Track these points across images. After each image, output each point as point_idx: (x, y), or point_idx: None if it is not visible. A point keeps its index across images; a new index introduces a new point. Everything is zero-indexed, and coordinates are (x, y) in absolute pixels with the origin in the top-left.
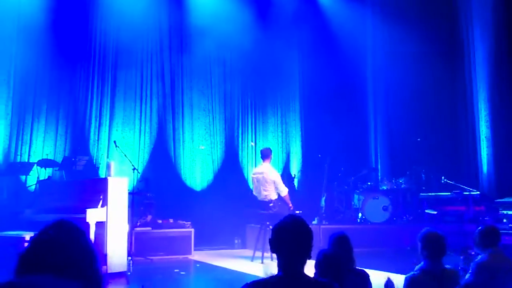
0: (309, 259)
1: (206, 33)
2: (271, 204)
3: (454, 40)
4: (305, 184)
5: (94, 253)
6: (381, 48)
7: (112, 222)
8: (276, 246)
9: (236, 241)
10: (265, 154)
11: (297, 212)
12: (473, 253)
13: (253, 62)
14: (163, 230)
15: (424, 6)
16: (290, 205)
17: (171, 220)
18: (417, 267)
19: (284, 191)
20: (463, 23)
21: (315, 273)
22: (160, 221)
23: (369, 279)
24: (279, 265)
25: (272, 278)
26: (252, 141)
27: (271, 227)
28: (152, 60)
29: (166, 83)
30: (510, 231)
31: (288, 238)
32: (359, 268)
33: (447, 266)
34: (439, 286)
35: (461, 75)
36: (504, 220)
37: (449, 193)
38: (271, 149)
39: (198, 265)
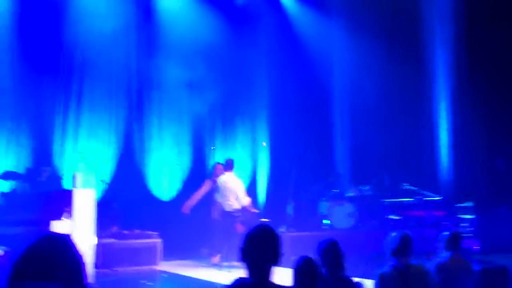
0: (278, 265)
1: (175, 43)
2: (236, 214)
3: (416, 50)
4: (272, 192)
5: (82, 261)
6: (347, 58)
7: (78, 234)
8: (246, 254)
9: (203, 250)
10: (227, 165)
11: (265, 220)
12: (431, 255)
13: (221, 71)
14: (129, 241)
15: (387, 19)
16: (255, 210)
17: (137, 231)
18: (387, 265)
19: (244, 200)
20: (425, 33)
21: (293, 280)
22: (126, 232)
23: None
24: (248, 271)
25: (241, 284)
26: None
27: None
28: (119, 70)
29: (133, 93)
30: (469, 235)
31: (259, 246)
32: (353, 278)
33: (413, 262)
34: (404, 280)
35: (423, 84)
36: (464, 224)
37: (412, 199)
38: (234, 159)
39: (165, 275)
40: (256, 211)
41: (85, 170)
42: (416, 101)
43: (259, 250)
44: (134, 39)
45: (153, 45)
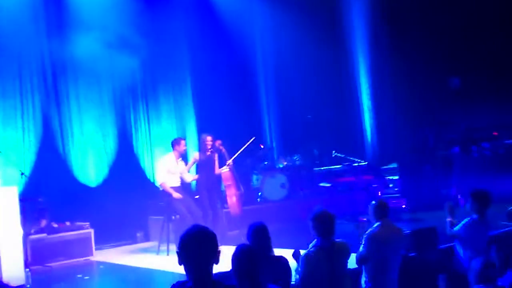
0: (217, 263)
1: (89, 22)
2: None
3: (334, 19)
4: None
5: None
6: (269, 32)
7: (3, 236)
8: (183, 258)
9: (138, 235)
10: (171, 144)
11: (196, 197)
12: (364, 219)
13: (141, 49)
14: (60, 234)
15: None
16: (174, 194)
17: (67, 223)
18: (311, 245)
19: (158, 180)
20: (344, 5)
21: (232, 268)
22: (56, 225)
23: (287, 264)
24: (187, 275)
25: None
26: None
27: (173, 217)
28: (30, 53)
29: (47, 76)
30: (396, 195)
31: (194, 249)
32: (277, 255)
33: (337, 240)
34: (330, 258)
35: (344, 53)
36: (390, 185)
37: (340, 166)
38: (177, 138)
39: (101, 267)
40: (171, 191)
41: (3, 164)
42: (338, 71)
43: (195, 253)
44: (43, 16)
45: (64, 22)
